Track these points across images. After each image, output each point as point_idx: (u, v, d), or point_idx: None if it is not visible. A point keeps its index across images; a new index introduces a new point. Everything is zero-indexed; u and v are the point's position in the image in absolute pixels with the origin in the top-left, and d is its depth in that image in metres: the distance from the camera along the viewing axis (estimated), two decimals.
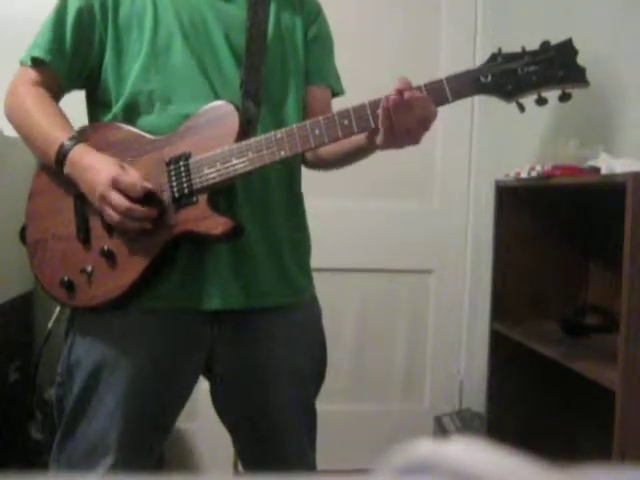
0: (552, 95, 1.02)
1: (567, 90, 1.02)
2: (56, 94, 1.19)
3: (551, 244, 1.95)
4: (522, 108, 1.03)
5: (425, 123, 1.02)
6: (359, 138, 1.11)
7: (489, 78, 1.02)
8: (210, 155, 1.07)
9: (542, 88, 1.01)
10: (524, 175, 1.75)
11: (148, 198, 1.06)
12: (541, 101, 1.02)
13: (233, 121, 1.08)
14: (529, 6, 2.26)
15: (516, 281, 1.93)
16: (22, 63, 1.18)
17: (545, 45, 1.01)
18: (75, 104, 1.23)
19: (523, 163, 1.82)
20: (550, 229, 1.94)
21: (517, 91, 1.01)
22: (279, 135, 1.05)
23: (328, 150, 1.21)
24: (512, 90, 1.01)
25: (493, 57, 1.02)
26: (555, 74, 1.00)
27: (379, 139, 1.05)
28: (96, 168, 1.07)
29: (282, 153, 1.05)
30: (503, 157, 2.33)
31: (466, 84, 1.02)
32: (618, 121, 1.74)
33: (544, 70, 1.00)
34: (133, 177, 1.06)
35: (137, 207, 1.04)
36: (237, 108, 1.09)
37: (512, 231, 1.93)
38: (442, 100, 1.02)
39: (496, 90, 1.02)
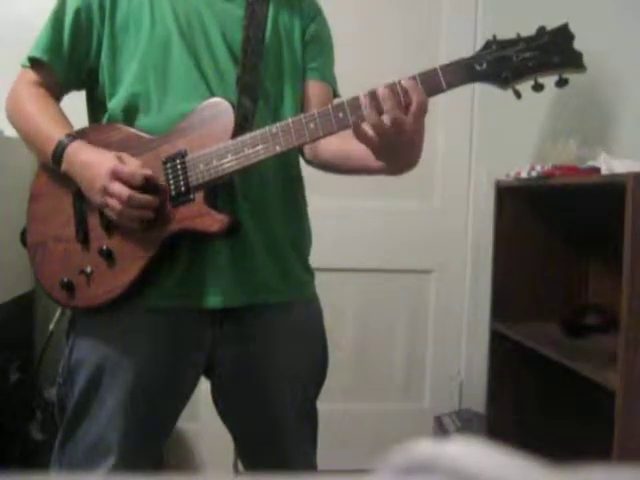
0: (551, 91, 1.01)
1: (564, 75, 1.00)
2: (56, 94, 1.20)
3: (551, 244, 1.95)
4: (518, 95, 1.01)
5: (418, 109, 0.97)
6: (369, 160, 1.07)
7: (484, 65, 0.99)
8: (206, 152, 1.07)
9: (538, 74, 0.99)
10: (524, 175, 1.75)
11: (148, 187, 1.06)
12: (537, 87, 1.00)
13: (228, 118, 1.07)
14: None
15: (516, 281, 1.93)
16: (22, 65, 1.19)
17: (540, 31, 0.99)
18: (75, 104, 1.23)
19: (523, 163, 1.82)
20: (550, 229, 1.94)
21: (513, 78, 0.99)
22: (274, 130, 1.04)
23: (334, 157, 1.20)
24: (508, 77, 0.99)
25: (488, 44, 1.00)
26: (551, 59, 0.98)
27: (375, 149, 1.00)
28: (95, 162, 1.07)
29: (278, 148, 1.04)
30: (503, 157, 2.33)
31: (461, 72, 1.00)
32: (618, 121, 1.74)
33: (540, 56, 0.98)
34: (132, 166, 1.06)
35: (139, 194, 1.04)
36: (232, 105, 1.08)
37: (512, 231, 1.93)
38: (437, 89, 0.99)
39: (491, 77, 1.00)
